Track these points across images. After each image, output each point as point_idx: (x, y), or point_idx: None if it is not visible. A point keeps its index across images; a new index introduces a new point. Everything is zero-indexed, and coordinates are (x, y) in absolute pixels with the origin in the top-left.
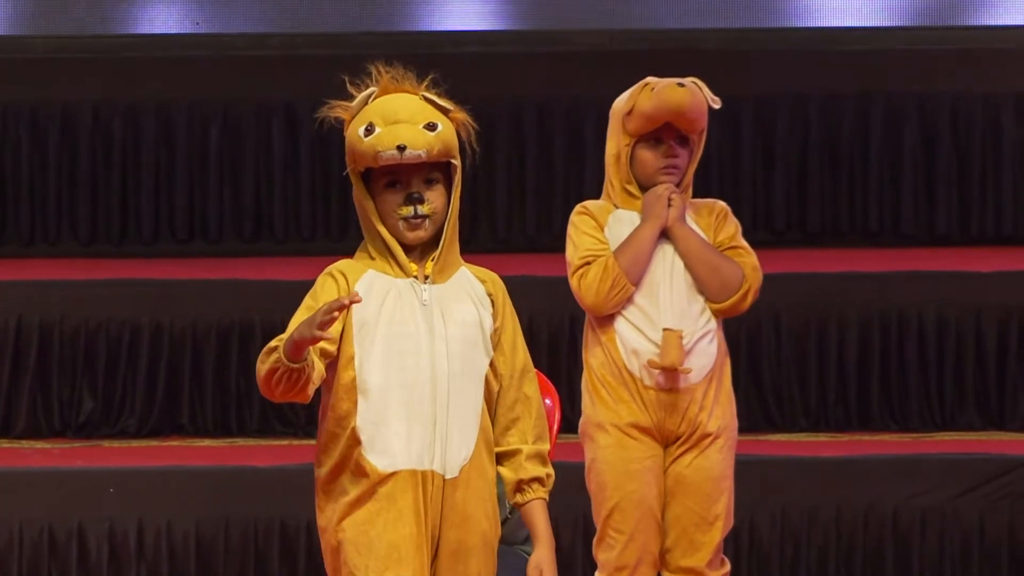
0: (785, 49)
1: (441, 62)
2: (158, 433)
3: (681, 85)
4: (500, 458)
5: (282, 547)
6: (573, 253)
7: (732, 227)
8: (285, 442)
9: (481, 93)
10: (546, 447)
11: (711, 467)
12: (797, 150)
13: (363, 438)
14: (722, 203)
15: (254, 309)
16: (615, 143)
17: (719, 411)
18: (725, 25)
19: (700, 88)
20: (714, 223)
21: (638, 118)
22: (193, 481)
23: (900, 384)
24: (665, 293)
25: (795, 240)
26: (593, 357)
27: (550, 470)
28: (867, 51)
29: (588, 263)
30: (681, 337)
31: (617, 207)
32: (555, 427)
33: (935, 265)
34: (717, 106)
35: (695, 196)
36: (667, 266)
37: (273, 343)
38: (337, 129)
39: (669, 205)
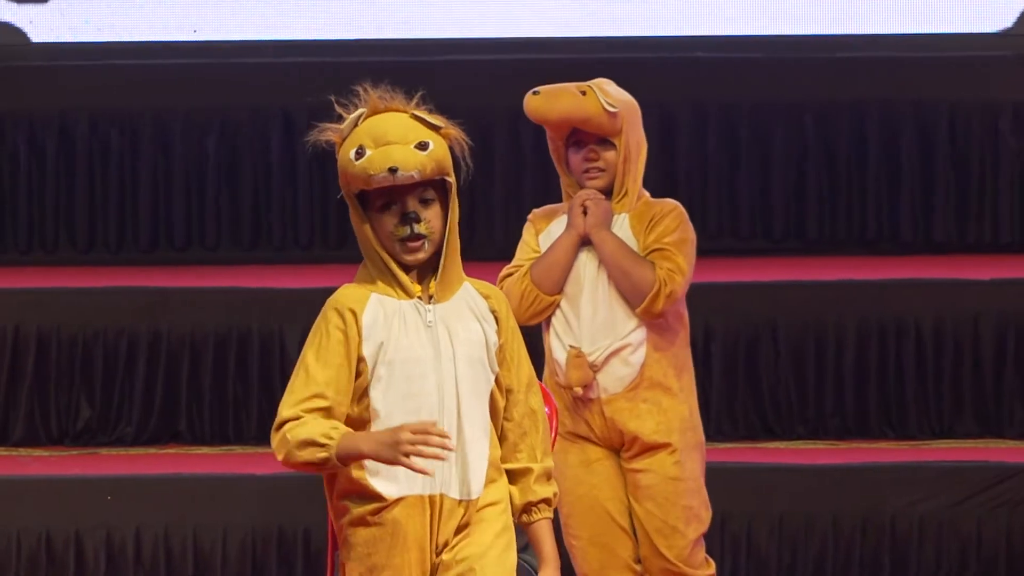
0: (782, 57)
1: (437, 70)
2: (156, 441)
3: (535, 93)
4: (510, 475)
5: (280, 555)
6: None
7: (667, 227)
8: None
9: (477, 101)
10: (551, 462)
11: (664, 471)
12: (795, 158)
13: (367, 464)
14: (672, 203)
15: (252, 317)
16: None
17: (662, 419)
18: (721, 33)
19: (595, 91)
20: (647, 225)
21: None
22: (191, 489)
23: (898, 392)
24: (586, 302)
25: (793, 248)
26: (547, 364)
27: (555, 487)
28: (864, 58)
29: (510, 275)
30: (580, 355)
31: (565, 212)
32: (553, 435)
33: (933, 273)
34: (613, 110)
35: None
36: (592, 274)
37: (320, 439)
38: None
39: (585, 213)
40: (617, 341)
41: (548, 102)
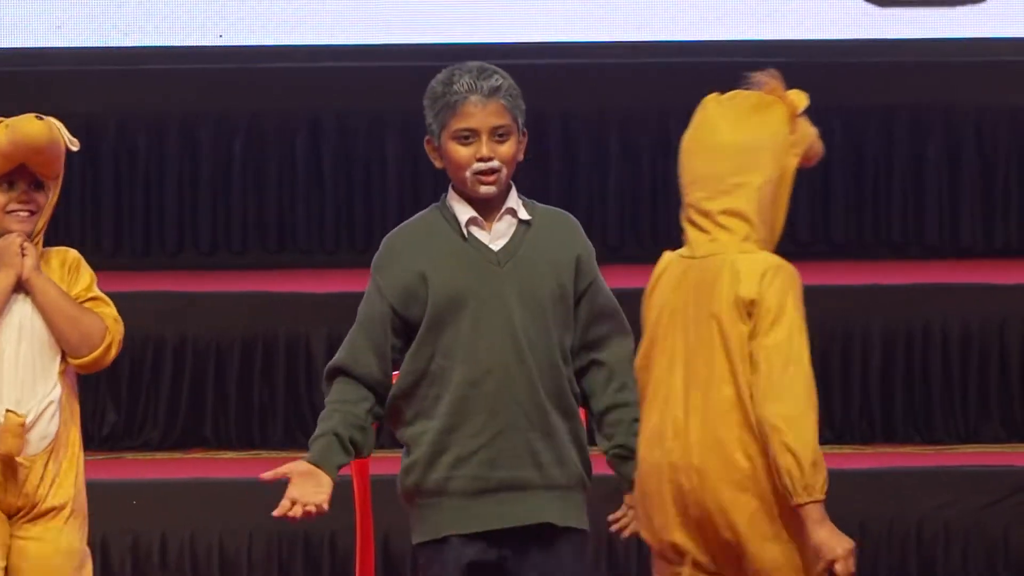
0: (809, 61)
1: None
2: (181, 446)
3: (40, 118)
4: None
5: (305, 560)
6: None
7: (88, 277)
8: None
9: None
10: None
11: (56, 540)
12: (821, 162)
13: None
14: (74, 252)
15: (278, 321)
16: None
17: (64, 481)
18: (750, 37)
19: (58, 128)
20: (67, 275)
21: None
22: (217, 494)
23: (924, 396)
24: (10, 356)
25: (819, 252)
26: None
27: None
28: (891, 63)
29: None
30: (23, 424)
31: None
32: None
33: (959, 277)
34: (75, 148)
35: None
36: (21, 322)
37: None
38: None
39: (23, 254)
40: (48, 397)
41: (50, 131)
